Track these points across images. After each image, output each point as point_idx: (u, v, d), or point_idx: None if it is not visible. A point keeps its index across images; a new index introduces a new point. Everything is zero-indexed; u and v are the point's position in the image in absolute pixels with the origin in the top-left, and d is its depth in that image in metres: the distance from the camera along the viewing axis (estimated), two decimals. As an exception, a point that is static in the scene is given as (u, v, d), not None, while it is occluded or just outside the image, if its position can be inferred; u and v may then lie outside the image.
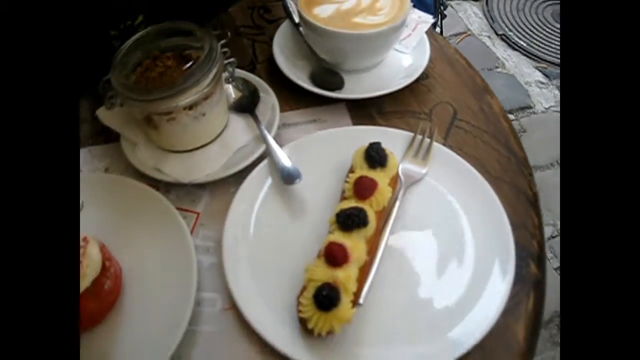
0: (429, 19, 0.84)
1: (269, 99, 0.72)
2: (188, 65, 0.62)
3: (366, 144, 0.63)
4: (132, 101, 0.61)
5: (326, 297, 0.51)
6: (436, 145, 0.68)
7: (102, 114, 0.70)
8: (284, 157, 0.65)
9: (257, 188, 0.65)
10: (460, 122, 0.74)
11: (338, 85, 0.75)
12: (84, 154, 0.72)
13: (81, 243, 0.52)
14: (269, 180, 0.65)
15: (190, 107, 0.63)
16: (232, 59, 0.67)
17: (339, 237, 0.55)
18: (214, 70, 0.63)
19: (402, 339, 0.53)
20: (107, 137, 0.73)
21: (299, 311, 0.52)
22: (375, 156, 0.61)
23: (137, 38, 0.66)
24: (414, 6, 0.77)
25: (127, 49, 0.65)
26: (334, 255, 0.53)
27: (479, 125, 0.73)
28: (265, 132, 0.68)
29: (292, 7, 0.85)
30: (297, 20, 0.82)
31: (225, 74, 0.67)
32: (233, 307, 0.57)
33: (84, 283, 0.52)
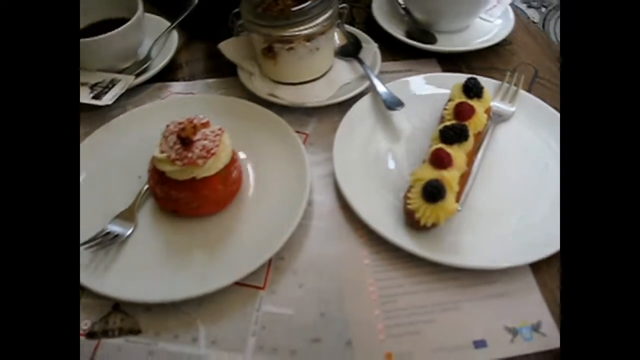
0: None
1: (370, 47, 0.80)
2: (309, 2, 0.71)
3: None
4: (260, 27, 0.70)
5: (435, 189, 0.57)
6: (522, 91, 0.74)
7: (224, 47, 0.79)
8: (385, 90, 0.72)
9: (362, 114, 0.72)
10: (541, 80, 0.80)
11: (431, 41, 0.83)
12: (202, 84, 0.81)
13: (217, 131, 0.60)
14: (373, 110, 0.73)
15: (309, 39, 0.71)
16: (345, 5, 0.75)
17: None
18: (332, 9, 0.71)
19: (493, 240, 0.59)
20: (220, 73, 0.82)
21: (407, 204, 0.59)
22: (472, 87, 0.68)
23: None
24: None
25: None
26: (441, 158, 0.59)
27: (559, 82, 0.79)
28: (369, 70, 0.76)
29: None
30: (391, -10, 0.91)
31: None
32: (340, 208, 0.64)
33: (219, 165, 0.59)
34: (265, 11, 0.72)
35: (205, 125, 0.60)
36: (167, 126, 0.60)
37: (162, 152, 0.58)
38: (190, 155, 0.56)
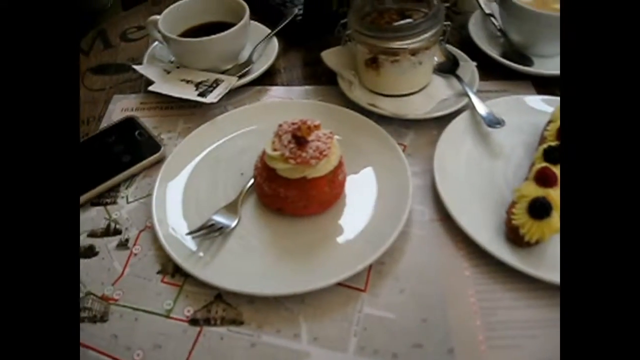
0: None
1: (468, 65, 0.81)
2: (421, 17, 0.72)
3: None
4: (367, 38, 0.72)
5: (541, 207, 0.57)
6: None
7: (326, 56, 0.82)
8: (484, 108, 0.73)
9: (462, 129, 0.73)
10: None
11: (527, 64, 0.83)
12: (300, 90, 0.83)
13: (328, 134, 0.61)
14: (472, 126, 0.73)
15: (413, 52, 0.72)
16: (448, 22, 0.77)
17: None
18: (438, 26, 0.72)
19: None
20: (317, 80, 0.84)
21: (512, 219, 0.59)
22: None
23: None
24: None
25: (361, 2, 0.76)
26: (547, 176, 0.60)
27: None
28: (468, 87, 0.76)
29: (482, 0, 0.95)
30: (487, 11, 0.92)
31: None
32: (440, 218, 0.65)
33: (328, 167, 0.61)
34: (373, 23, 0.74)
35: (317, 127, 0.61)
36: (280, 125, 0.62)
37: (275, 149, 0.60)
38: (304, 154, 0.58)
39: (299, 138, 0.59)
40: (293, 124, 0.61)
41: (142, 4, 1.10)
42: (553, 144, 0.64)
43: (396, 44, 0.71)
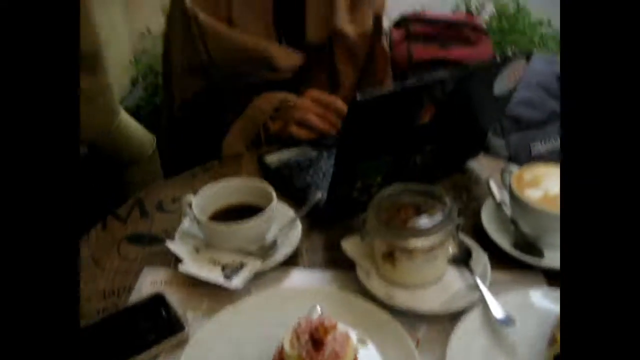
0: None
1: (480, 257, 0.85)
2: (437, 217, 0.78)
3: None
4: (385, 235, 0.78)
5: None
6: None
7: (346, 245, 0.87)
8: (496, 305, 0.76)
9: (473, 326, 0.75)
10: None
11: (538, 254, 0.87)
12: (320, 276, 0.88)
13: (344, 335, 0.65)
14: (483, 322, 0.76)
15: (428, 250, 0.77)
16: (460, 218, 0.82)
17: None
18: (451, 225, 0.78)
19: None
20: (338, 265, 0.89)
21: None
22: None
23: (389, 193, 0.84)
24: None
25: (380, 202, 0.83)
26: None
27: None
28: (479, 281, 0.80)
29: (494, 189, 1.01)
30: (498, 200, 0.98)
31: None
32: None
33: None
34: (390, 220, 0.80)
35: (334, 327, 0.65)
36: (299, 324, 0.65)
37: (292, 347, 0.63)
38: (320, 358, 0.61)
39: (316, 340, 0.62)
40: (311, 322, 0.65)
41: (181, 175, 1.19)
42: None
43: (411, 243, 0.77)
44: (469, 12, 2.88)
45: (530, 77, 2.02)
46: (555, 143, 1.93)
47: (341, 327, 0.66)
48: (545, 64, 2.06)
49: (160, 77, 2.58)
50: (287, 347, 0.64)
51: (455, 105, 0.96)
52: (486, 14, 3.00)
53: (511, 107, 1.93)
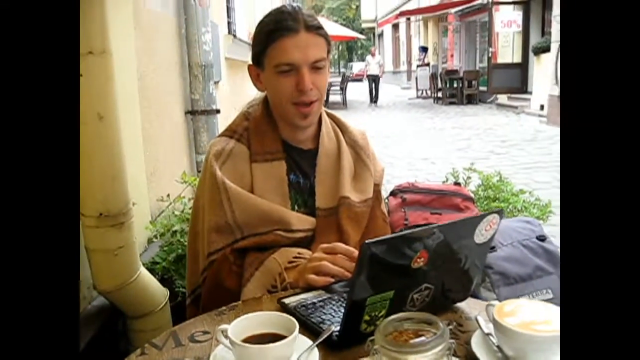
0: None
1: (471, 374, 1.01)
2: (433, 337, 0.96)
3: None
4: (389, 352, 0.95)
5: None
6: None
7: None
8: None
9: None
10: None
11: (520, 377, 1.03)
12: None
13: None
14: None
15: (427, 364, 0.94)
16: (453, 340, 0.99)
17: None
18: (444, 343, 0.95)
19: None
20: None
21: None
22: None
23: (393, 319, 1.02)
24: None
25: (385, 327, 1.01)
26: None
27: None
28: (472, 393, 0.95)
29: (481, 322, 1.19)
30: (485, 331, 1.16)
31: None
32: None
33: None
34: (394, 340, 0.98)
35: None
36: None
37: None
38: None
39: None
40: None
41: (209, 313, 1.36)
42: None
43: (411, 358, 0.93)
44: (457, 183, 3.22)
45: (513, 237, 2.27)
46: (542, 296, 2.11)
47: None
48: (525, 225, 2.32)
49: (176, 235, 2.83)
50: None
51: (445, 253, 1.18)
52: (473, 184, 3.34)
53: (498, 264, 2.15)
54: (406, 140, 11.27)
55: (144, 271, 2.59)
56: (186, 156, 4.50)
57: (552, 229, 2.66)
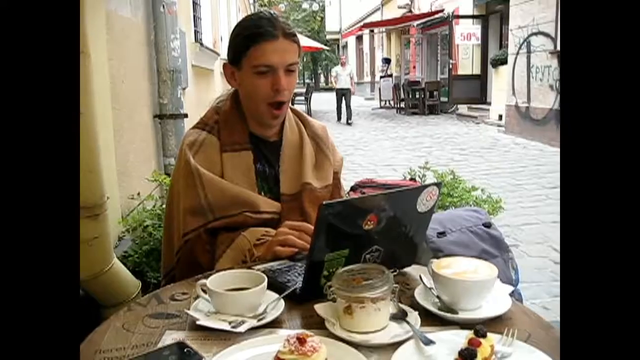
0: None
1: (413, 315, 1.21)
2: (378, 279, 1.15)
3: (476, 332, 1.08)
4: (344, 293, 1.14)
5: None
6: (517, 340, 1.10)
7: (318, 308, 1.22)
8: (422, 335, 1.11)
9: (408, 349, 1.09)
10: (533, 340, 1.16)
11: (454, 313, 1.23)
12: (298, 329, 1.21)
13: (317, 341, 0.98)
14: (414, 347, 1.10)
15: (374, 301, 1.13)
16: (397, 285, 1.19)
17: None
18: (388, 284, 1.15)
19: None
20: (313, 326, 1.22)
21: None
22: (479, 330, 1.05)
23: (346, 269, 1.22)
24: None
25: (341, 274, 1.20)
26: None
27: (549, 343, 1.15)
28: (412, 323, 1.15)
29: (424, 278, 1.39)
30: (428, 286, 1.36)
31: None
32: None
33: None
34: (347, 282, 1.17)
35: (311, 336, 0.99)
36: (288, 335, 0.99)
37: (284, 346, 0.96)
38: (303, 348, 0.94)
39: (301, 339, 0.95)
40: (296, 333, 0.98)
41: (186, 280, 1.53)
42: (464, 347, 1.00)
43: (362, 294, 1.13)
44: (412, 179, 3.45)
45: (461, 224, 2.50)
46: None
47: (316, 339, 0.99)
48: (472, 213, 2.55)
49: (148, 229, 2.97)
50: (280, 347, 0.96)
51: (391, 217, 1.38)
52: (427, 181, 3.58)
53: (448, 247, 2.37)
54: (369, 148, 11.58)
55: (117, 262, 2.72)
56: (154, 158, 4.62)
57: (501, 222, 2.89)
